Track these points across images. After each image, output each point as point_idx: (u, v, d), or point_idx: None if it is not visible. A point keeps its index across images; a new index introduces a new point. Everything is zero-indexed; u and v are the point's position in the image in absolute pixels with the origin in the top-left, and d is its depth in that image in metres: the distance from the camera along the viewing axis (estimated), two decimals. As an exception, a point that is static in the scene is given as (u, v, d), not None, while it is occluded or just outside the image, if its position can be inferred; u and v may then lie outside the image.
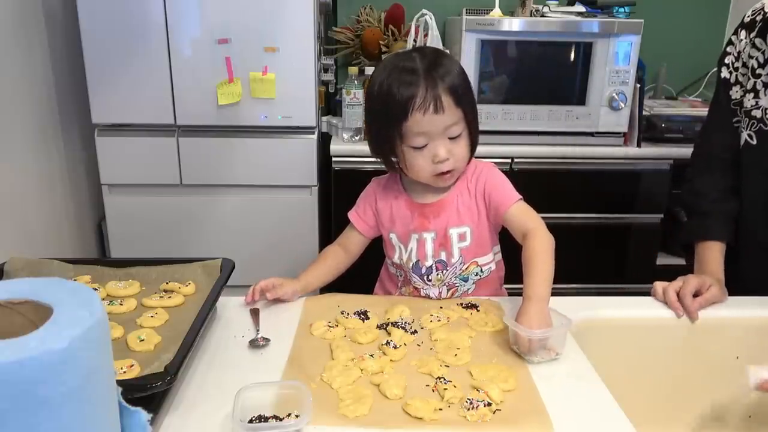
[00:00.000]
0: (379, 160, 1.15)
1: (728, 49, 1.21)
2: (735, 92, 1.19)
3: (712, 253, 1.19)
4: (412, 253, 1.16)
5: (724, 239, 1.20)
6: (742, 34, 1.18)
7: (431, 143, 1.06)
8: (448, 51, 2.17)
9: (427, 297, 1.17)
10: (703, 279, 1.11)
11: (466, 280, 1.17)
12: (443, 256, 1.15)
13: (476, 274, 1.17)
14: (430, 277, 1.16)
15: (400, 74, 1.04)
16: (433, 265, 1.15)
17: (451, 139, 1.07)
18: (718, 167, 1.23)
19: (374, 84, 1.09)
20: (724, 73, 1.21)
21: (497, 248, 1.21)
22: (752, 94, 1.16)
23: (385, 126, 1.07)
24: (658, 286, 1.14)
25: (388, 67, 1.07)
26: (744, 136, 1.18)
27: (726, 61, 1.21)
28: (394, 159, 1.12)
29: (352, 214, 1.23)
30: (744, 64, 1.17)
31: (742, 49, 1.17)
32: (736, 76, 1.19)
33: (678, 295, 1.10)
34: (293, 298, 1.13)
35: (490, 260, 1.18)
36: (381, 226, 1.20)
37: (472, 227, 1.14)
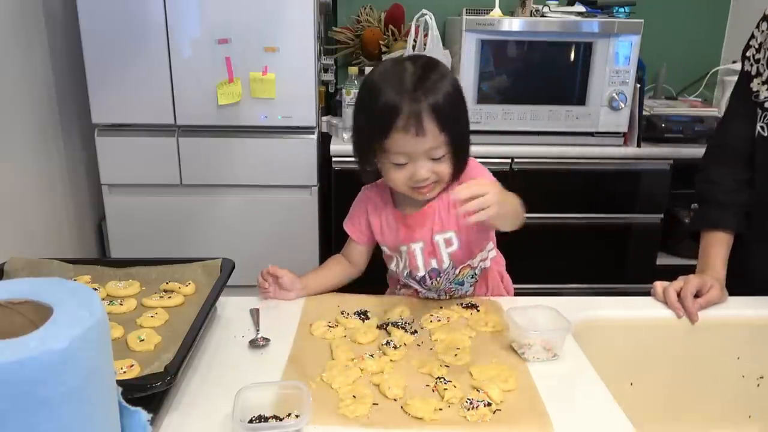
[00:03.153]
0: (358, 166, 1.13)
1: (750, 42, 1.21)
2: (755, 84, 1.18)
3: (718, 250, 1.18)
4: (405, 263, 1.15)
5: (735, 230, 1.19)
6: (764, 26, 1.18)
7: (411, 163, 1.03)
8: (446, 56, 2.17)
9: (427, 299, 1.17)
10: (704, 279, 1.11)
11: (462, 284, 1.16)
12: (434, 263, 1.13)
13: (471, 277, 1.17)
14: (425, 284, 1.15)
15: (389, 88, 1.00)
16: (426, 275, 1.14)
17: (434, 159, 1.03)
18: (736, 158, 1.22)
19: (363, 91, 1.06)
20: (746, 66, 1.21)
21: (490, 245, 1.19)
22: (766, 86, 1.16)
23: (368, 137, 1.05)
24: (659, 285, 1.13)
25: (381, 76, 1.04)
26: (757, 127, 1.18)
27: (747, 54, 1.21)
28: (372, 166, 1.09)
29: (348, 226, 1.21)
30: (763, 56, 1.17)
31: (763, 41, 1.17)
32: (757, 68, 1.18)
33: (678, 295, 1.10)
34: (292, 290, 1.13)
35: (484, 257, 1.17)
36: (375, 237, 1.19)
37: (456, 231, 1.11)
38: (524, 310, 0.98)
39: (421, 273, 1.13)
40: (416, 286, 1.16)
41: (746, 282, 1.17)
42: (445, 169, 1.05)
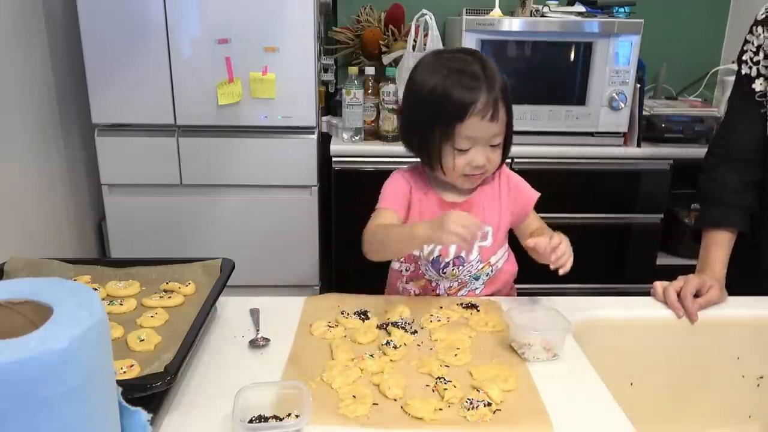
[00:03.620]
0: (412, 153, 1.17)
1: (745, 47, 1.24)
2: (759, 85, 1.21)
3: (718, 249, 1.19)
4: (436, 248, 1.17)
5: (740, 228, 1.20)
6: (760, 29, 1.21)
7: (474, 149, 1.08)
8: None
9: (435, 289, 1.19)
10: (703, 279, 1.11)
11: (477, 278, 1.19)
12: (463, 253, 1.17)
13: (487, 275, 1.20)
14: (445, 271, 1.18)
15: (461, 77, 1.05)
16: (452, 261, 1.17)
17: (491, 146, 1.10)
18: (742, 159, 1.23)
19: (424, 84, 1.09)
20: (744, 70, 1.23)
21: (505, 246, 1.23)
22: None
23: (433, 125, 1.08)
24: (659, 285, 1.14)
25: (441, 68, 1.08)
26: None
27: (744, 58, 1.23)
28: (427, 155, 1.12)
29: (389, 204, 1.16)
30: (766, 56, 1.20)
31: (761, 43, 1.20)
32: (758, 69, 1.21)
33: (678, 295, 1.10)
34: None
35: (500, 257, 1.21)
36: (407, 218, 1.18)
37: (493, 228, 1.17)
38: (524, 310, 0.98)
39: (448, 258, 1.16)
40: (432, 274, 1.18)
41: (755, 283, 1.17)
42: (497, 157, 1.12)
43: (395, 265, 1.25)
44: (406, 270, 1.22)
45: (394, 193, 1.18)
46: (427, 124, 1.09)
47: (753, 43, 1.22)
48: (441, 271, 1.18)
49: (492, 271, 1.20)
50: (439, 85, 1.06)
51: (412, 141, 1.16)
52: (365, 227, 1.15)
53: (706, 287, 1.10)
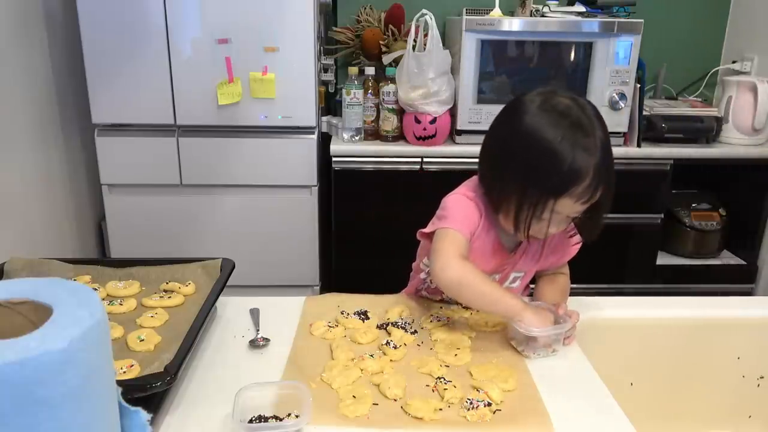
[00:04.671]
0: (490, 195, 1.06)
1: None
2: None
3: None
4: None
5: None
6: None
7: (553, 222, 0.99)
8: (446, 56, 2.17)
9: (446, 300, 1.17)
10: None
11: None
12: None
13: None
14: None
15: (575, 142, 0.93)
16: None
17: (569, 217, 1.01)
18: None
19: (534, 133, 0.96)
20: None
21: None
22: None
23: (527, 185, 0.96)
24: None
25: (560, 121, 0.95)
26: None
27: None
28: (504, 207, 1.02)
29: (459, 227, 1.04)
30: None
31: None
32: None
33: None
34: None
35: (520, 292, 1.18)
36: None
37: (527, 272, 1.15)
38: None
39: None
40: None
41: None
42: (568, 225, 1.04)
43: (422, 275, 1.23)
44: (431, 283, 1.21)
45: (468, 218, 1.06)
46: (517, 179, 0.98)
47: None
48: None
49: None
50: (552, 144, 0.93)
51: (492, 184, 1.04)
52: (436, 245, 1.02)
53: None
